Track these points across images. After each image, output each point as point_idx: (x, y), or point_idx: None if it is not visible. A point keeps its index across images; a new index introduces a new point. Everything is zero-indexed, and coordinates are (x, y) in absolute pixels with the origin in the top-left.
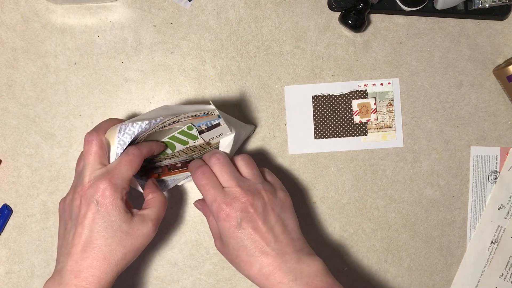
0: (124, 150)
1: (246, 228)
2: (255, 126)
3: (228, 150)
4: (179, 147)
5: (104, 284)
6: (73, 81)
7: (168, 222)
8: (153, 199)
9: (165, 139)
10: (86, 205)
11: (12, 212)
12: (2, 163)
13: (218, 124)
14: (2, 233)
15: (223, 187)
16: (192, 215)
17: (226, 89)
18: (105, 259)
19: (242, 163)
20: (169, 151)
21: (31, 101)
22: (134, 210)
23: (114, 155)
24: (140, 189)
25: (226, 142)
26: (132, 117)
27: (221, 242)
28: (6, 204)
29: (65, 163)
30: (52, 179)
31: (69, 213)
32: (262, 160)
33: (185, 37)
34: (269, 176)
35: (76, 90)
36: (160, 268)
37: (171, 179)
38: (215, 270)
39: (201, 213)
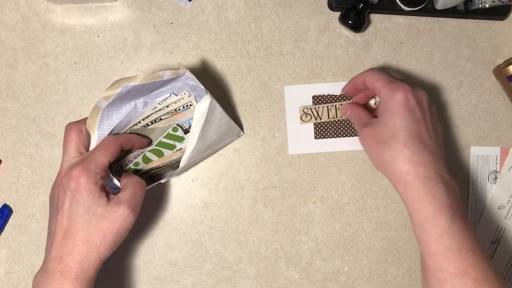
0: (102, 139)
1: (416, 114)
2: (243, 132)
3: (202, 120)
4: (167, 152)
5: (86, 267)
6: (73, 81)
7: (168, 222)
8: (126, 182)
9: (152, 147)
10: (63, 193)
11: (12, 212)
12: (2, 163)
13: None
14: (2, 233)
15: None
16: (192, 215)
17: (226, 89)
18: (84, 243)
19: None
20: (154, 157)
21: (31, 101)
22: (111, 195)
23: (94, 145)
24: (116, 182)
25: (201, 111)
26: None
27: (372, 126)
28: (6, 204)
29: None
30: (52, 179)
31: (52, 203)
32: (262, 160)
33: (185, 37)
34: None
35: (76, 90)
36: (160, 268)
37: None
38: (215, 270)
39: (201, 213)
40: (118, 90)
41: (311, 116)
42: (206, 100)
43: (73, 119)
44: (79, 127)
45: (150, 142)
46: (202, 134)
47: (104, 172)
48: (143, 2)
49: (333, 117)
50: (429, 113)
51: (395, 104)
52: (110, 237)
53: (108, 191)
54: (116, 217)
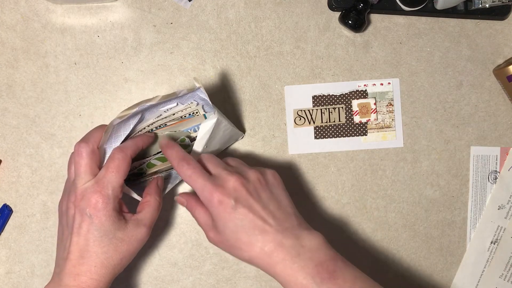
0: (109, 155)
1: (241, 208)
2: (244, 134)
3: (207, 136)
4: None
5: (103, 285)
6: (73, 81)
7: (168, 222)
8: (148, 203)
9: (159, 155)
10: (80, 216)
11: (12, 212)
12: (2, 163)
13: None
14: (2, 233)
15: (210, 174)
16: None
17: (226, 89)
18: (102, 265)
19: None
20: (158, 162)
21: (31, 101)
22: (128, 215)
23: (105, 160)
24: (135, 196)
25: (207, 128)
26: None
27: (216, 231)
28: (6, 204)
29: (65, 163)
30: (52, 179)
31: (65, 219)
32: (262, 160)
33: (185, 37)
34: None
35: (76, 90)
36: (160, 268)
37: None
38: (215, 270)
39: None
40: (134, 110)
41: (304, 120)
42: (213, 118)
43: (73, 119)
44: (90, 148)
45: (155, 136)
46: (206, 147)
47: (121, 193)
48: (143, 2)
49: (326, 121)
50: (256, 194)
51: (217, 210)
52: (127, 258)
53: (124, 210)
54: (134, 239)
